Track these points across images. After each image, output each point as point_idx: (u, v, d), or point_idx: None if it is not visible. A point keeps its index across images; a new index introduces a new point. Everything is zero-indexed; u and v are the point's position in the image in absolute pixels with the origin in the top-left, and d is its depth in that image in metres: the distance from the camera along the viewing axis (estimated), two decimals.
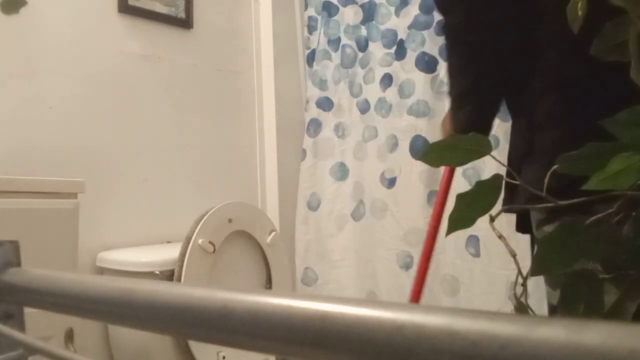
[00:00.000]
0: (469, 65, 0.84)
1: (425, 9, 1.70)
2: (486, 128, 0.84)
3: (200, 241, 1.40)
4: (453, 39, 0.85)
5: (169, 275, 1.39)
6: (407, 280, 1.68)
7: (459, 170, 1.52)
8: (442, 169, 1.33)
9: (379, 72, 1.78)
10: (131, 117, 1.63)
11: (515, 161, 0.81)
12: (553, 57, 0.73)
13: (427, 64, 1.69)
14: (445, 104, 1.49)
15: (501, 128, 1.47)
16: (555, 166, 0.44)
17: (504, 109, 0.87)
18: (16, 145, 1.39)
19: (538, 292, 1.37)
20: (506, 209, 0.54)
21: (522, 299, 0.49)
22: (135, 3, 1.63)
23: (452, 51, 0.87)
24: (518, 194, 0.78)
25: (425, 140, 1.66)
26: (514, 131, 0.85)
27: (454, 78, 0.87)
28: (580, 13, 0.43)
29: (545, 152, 0.73)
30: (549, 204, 0.48)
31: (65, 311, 0.41)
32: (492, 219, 0.52)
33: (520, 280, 0.49)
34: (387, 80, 1.76)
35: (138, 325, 0.35)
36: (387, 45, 1.77)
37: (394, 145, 1.73)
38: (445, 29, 0.87)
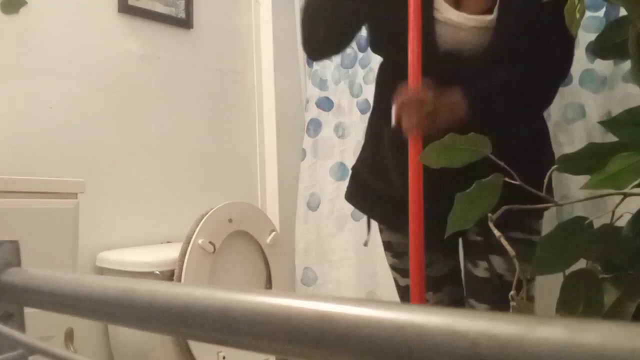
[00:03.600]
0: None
1: None
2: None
3: (200, 241, 1.40)
4: None
5: (169, 275, 1.39)
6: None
7: None
8: None
9: None
10: (131, 117, 1.63)
11: None
12: None
13: None
14: None
15: None
16: (555, 166, 0.44)
17: None
18: (16, 145, 1.39)
19: (538, 292, 1.37)
20: (507, 209, 0.54)
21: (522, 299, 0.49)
22: (135, 3, 1.63)
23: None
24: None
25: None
26: None
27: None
28: (578, 16, 0.43)
29: None
30: (549, 204, 0.48)
31: (65, 311, 0.41)
32: (491, 219, 0.51)
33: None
34: None
35: (138, 325, 0.35)
36: None
37: None
38: None
